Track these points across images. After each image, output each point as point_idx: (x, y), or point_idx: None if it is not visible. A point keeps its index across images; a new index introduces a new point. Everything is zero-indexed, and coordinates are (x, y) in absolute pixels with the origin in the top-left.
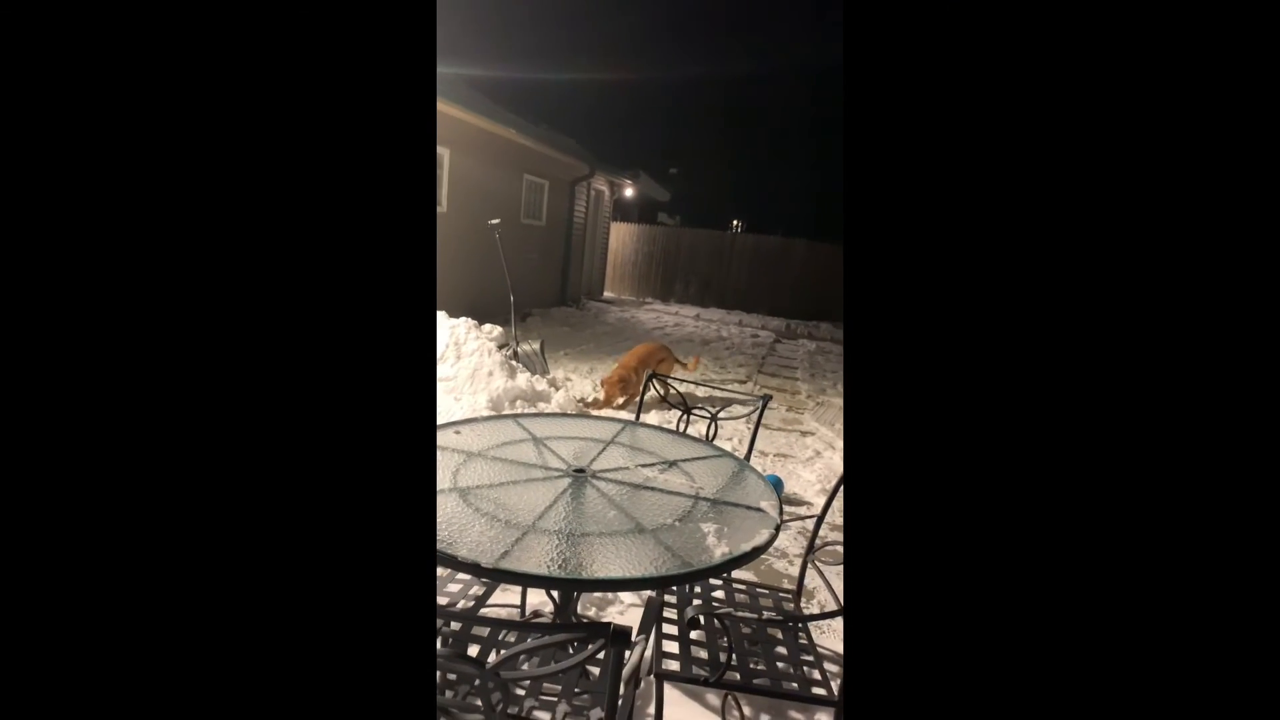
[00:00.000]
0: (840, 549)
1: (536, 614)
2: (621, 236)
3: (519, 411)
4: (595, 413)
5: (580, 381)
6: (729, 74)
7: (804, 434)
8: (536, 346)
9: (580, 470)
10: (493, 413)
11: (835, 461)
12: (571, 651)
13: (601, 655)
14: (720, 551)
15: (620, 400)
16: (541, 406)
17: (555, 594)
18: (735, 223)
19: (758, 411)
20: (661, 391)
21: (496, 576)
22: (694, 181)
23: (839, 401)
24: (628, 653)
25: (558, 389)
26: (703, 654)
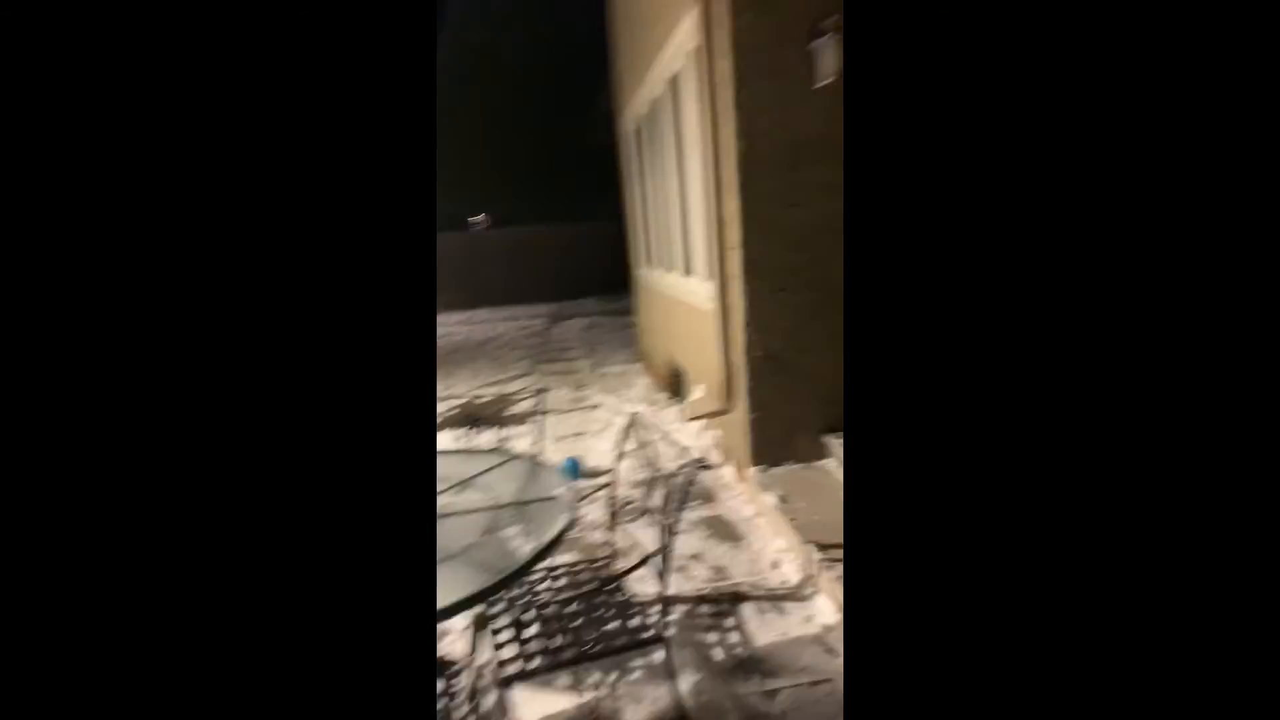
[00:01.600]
0: (642, 505)
1: None
2: None
3: None
4: None
5: None
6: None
7: (593, 408)
8: None
9: None
10: None
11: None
12: None
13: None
14: (527, 549)
15: None
16: None
17: None
18: (481, 215)
19: (539, 405)
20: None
21: None
22: None
23: (616, 369)
24: (455, 681)
25: None
26: (540, 645)
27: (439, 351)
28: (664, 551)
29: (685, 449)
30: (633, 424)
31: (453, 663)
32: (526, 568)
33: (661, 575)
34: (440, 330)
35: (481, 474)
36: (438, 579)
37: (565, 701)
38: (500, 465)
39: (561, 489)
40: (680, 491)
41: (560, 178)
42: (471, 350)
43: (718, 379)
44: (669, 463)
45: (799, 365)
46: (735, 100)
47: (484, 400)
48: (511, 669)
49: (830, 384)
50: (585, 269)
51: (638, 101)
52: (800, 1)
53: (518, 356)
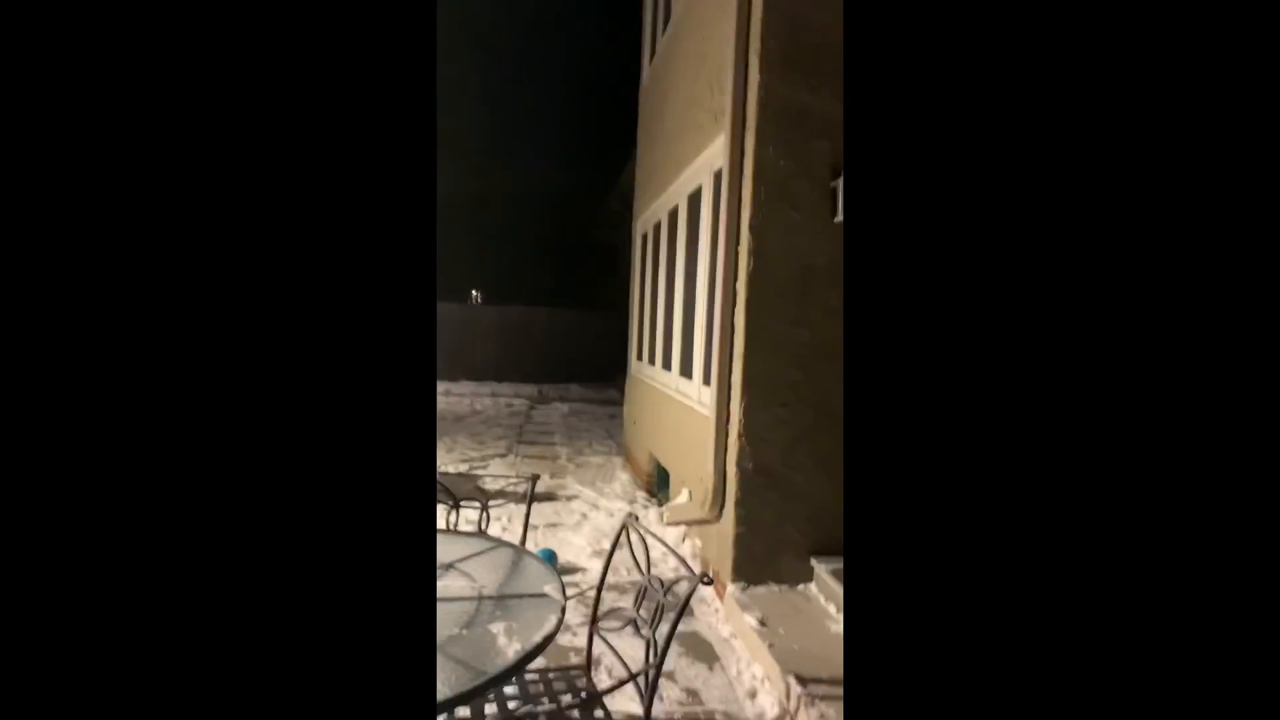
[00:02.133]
0: (626, 614)
1: None
2: None
3: None
4: None
5: None
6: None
7: (569, 499)
8: None
9: None
10: None
11: (601, 521)
12: None
13: None
14: (513, 650)
15: None
16: None
17: None
18: (474, 293)
19: (528, 492)
20: None
21: None
22: None
23: (596, 460)
24: None
25: None
26: None
27: None
28: (650, 672)
29: (665, 556)
30: (625, 526)
31: None
32: (511, 672)
33: (644, 697)
34: None
35: (466, 559)
36: None
37: None
38: (485, 553)
39: (549, 586)
40: (671, 606)
41: (562, 267)
42: (451, 424)
43: (706, 486)
44: (654, 570)
45: (790, 482)
46: (751, 223)
47: (461, 477)
48: None
49: (819, 505)
50: (573, 355)
51: (656, 206)
52: (822, 143)
53: (497, 435)
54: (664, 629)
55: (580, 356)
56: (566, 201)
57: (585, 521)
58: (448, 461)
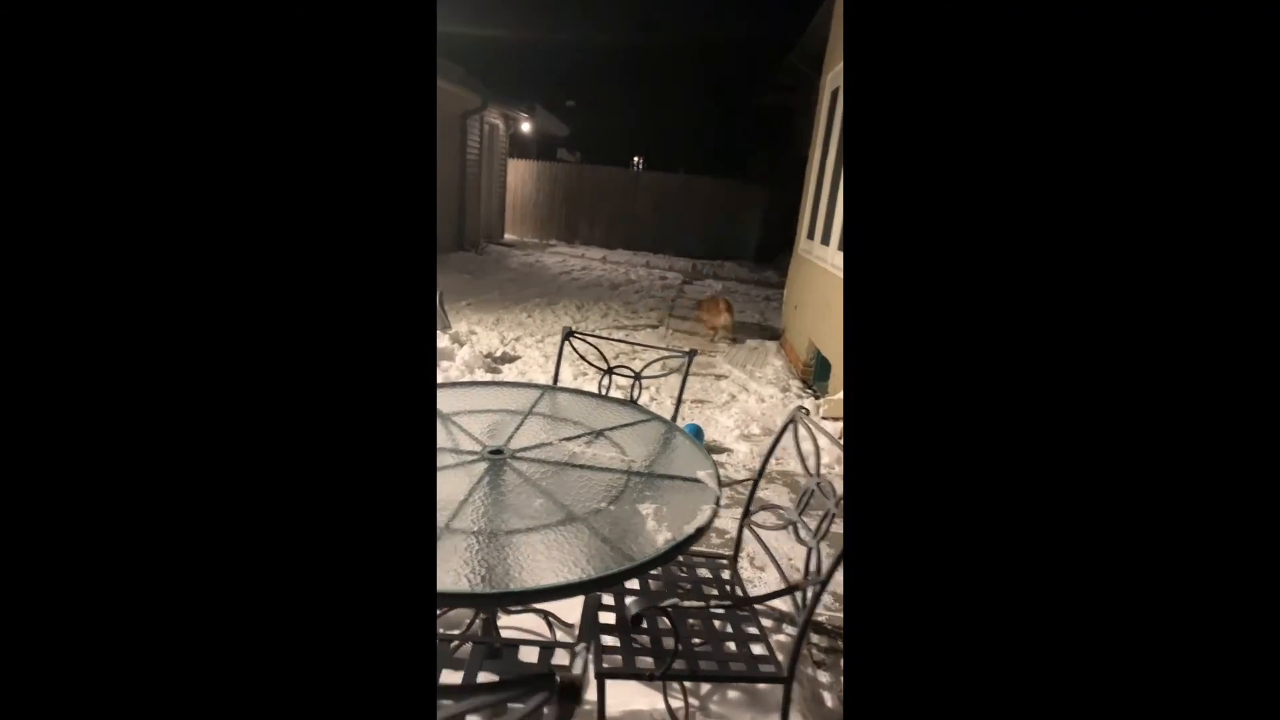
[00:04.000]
0: (777, 508)
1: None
2: (521, 174)
3: None
4: (506, 374)
5: (486, 334)
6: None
7: (718, 377)
8: (434, 298)
9: (497, 451)
10: None
11: (750, 405)
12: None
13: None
14: (663, 537)
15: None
16: (444, 365)
17: None
18: (636, 159)
19: (684, 368)
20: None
21: None
22: (592, 115)
23: (750, 342)
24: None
25: (462, 344)
26: (644, 639)
27: (577, 284)
28: (812, 583)
29: (821, 453)
30: (794, 420)
31: (578, 681)
32: (659, 561)
33: (799, 610)
34: (579, 263)
35: (616, 428)
36: (558, 540)
37: (652, 702)
38: (636, 424)
39: (703, 473)
40: (837, 510)
41: (731, 133)
42: (606, 290)
43: None
44: (818, 471)
45: None
46: None
47: (619, 348)
48: (612, 659)
49: None
50: (732, 231)
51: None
52: None
53: (649, 306)
54: (830, 540)
55: (740, 233)
56: (742, 59)
57: (734, 403)
58: (601, 327)
